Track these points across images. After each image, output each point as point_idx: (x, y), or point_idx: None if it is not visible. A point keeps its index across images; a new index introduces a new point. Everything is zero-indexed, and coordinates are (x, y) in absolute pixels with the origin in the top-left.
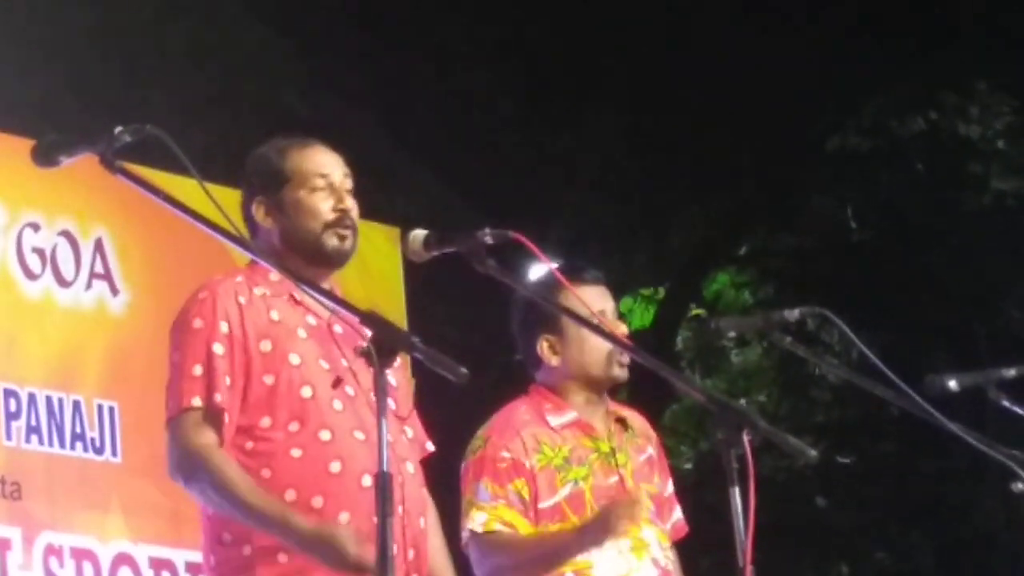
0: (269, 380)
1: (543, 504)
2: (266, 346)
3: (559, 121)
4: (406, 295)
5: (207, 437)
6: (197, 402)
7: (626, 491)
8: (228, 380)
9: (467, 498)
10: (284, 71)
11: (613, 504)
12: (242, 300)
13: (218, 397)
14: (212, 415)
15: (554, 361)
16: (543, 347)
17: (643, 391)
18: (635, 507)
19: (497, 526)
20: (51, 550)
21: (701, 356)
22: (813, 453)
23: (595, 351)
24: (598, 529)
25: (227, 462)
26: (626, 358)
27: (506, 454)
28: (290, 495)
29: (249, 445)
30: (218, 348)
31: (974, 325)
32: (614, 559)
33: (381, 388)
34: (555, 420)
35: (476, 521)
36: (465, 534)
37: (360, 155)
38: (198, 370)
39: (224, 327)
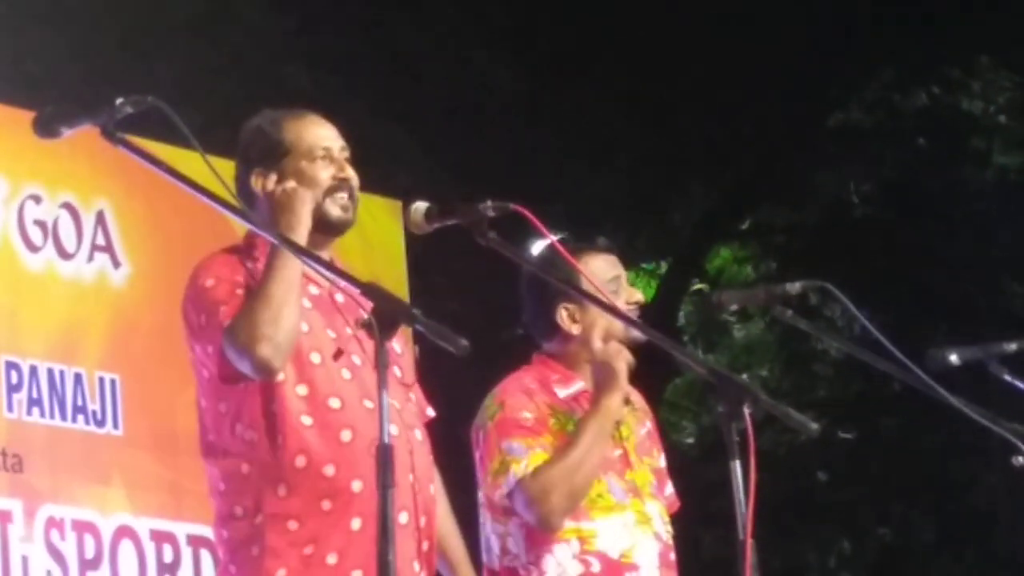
0: None
1: None
2: None
3: (561, 95)
4: (407, 267)
5: None
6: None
7: (629, 464)
8: None
9: (497, 459)
10: (286, 44)
11: (603, 360)
12: (248, 268)
13: None
14: None
15: (575, 330)
16: (563, 315)
17: (645, 365)
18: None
19: (541, 463)
20: (52, 522)
21: (703, 331)
22: (815, 427)
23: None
24: (610, 383)
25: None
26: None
27: (527, 414)
28: (300, 460)
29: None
30: (239, 291)
31: (976, 300)
32: (618, 532)
33: (382, 360)
34: (562, 391)
35: (520, 469)
36: (506, 489)
37: (363, 128)
38: (223, 309)
39: (241, 278)
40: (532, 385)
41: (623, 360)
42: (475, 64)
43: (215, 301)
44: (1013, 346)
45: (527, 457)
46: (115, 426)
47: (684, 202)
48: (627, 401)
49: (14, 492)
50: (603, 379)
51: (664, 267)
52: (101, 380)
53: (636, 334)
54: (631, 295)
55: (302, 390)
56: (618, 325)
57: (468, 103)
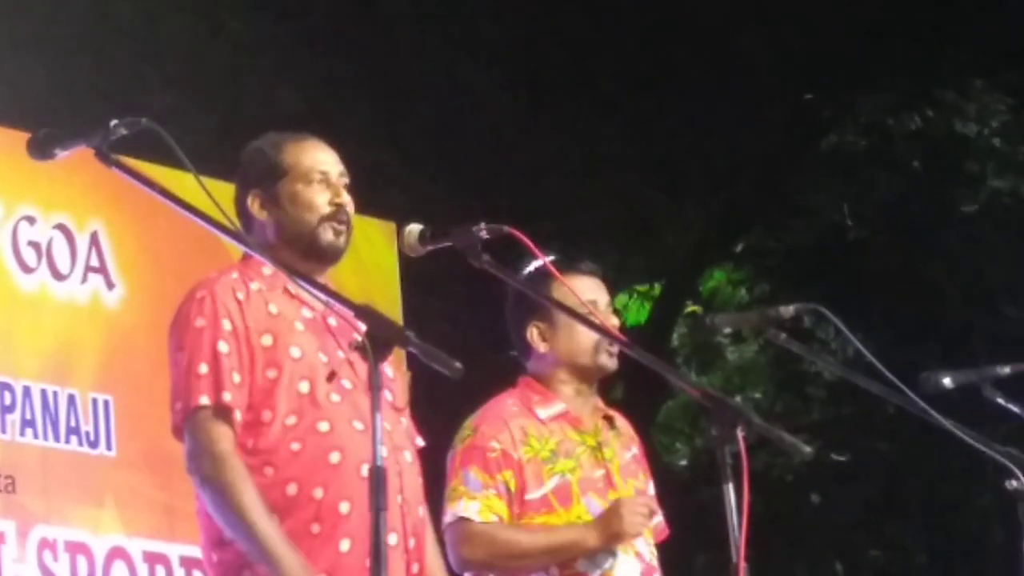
0: (272, 374)
1: (530, 496)
2: (267, 340)
3: (555, 116)
4: (401, 290)
5: (225, 440)
6: (205, 400)
7: (612, 485)
8: (237, 377)
9: (453, 484)
10: (279, 67)
11: (627, 502)
12: (240, 296)
13: (227, 396)
14: (223, 413)
15: (543, 348)
16: (533, 334)
17: (638, 387)
18: (646, 507)
19: (492, 517)
20: (45, 543)
21: (697, 353)
22: (808, 450)
23: (583, 339)
24: (607, 523)
25: (246, 480)
26: (615, 348)
27: (495, 444)
28: (291, 489)
29: (250, 443)
30: (223, 346)
31: (970, 323)
32: (599, 552)
33: (375, 383)
34: (543, 412)
35: (470, 509)
36: (449, 518)
37: (357, 150)
38: (204, 368)
39: (227, 325)
40: (513, 408)
41: (636, 520)
42: (469, 85)
43: (190, 357)
44: (1007, 369)
45: (480, 499)
46: (108, 447)
47: (678, 224)
48: (612, 424)
49: (7, 513)
50: (604, 517)
51: (658, 289)
52: (94, 401)
53: (604, 361)
54: (606, 320)
55: (291, 420)
56: (585, 347)
57: (462, 124)
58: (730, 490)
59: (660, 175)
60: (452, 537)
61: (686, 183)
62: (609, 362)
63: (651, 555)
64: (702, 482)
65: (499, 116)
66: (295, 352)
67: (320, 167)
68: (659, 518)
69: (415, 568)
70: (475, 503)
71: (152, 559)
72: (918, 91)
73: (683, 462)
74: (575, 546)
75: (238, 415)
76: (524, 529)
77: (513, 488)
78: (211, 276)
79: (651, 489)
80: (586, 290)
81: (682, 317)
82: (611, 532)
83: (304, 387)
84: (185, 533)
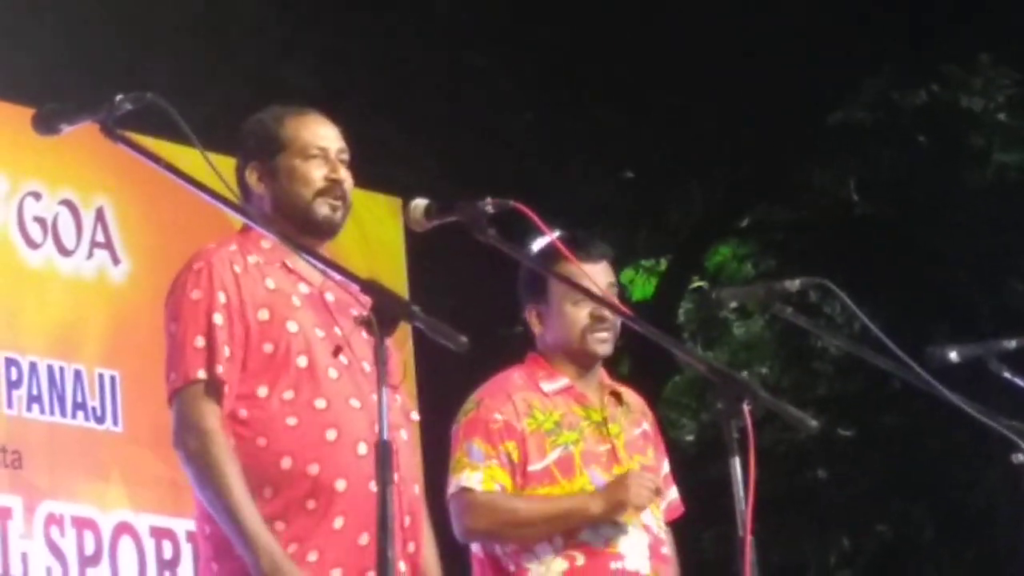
0: (268, 348)
1: (532, 467)
2: (264, 315)
3: (560, 94)
4: (407, 267)
5: (213, 417)
6: (201, 374)
7: (617, 460)
8: (228, 351)
9: (457, 456)
10: (286, 42)
11: (634, 473)
12: (237, 269)
13: (219, 369)
14: (214, 387)
15: (538, 330)
16: (531, 316)
17: (644, 363)
18: (653, 483)
19: (495, 486)
20: (52, 519)
21: (703, 328)
22: (814, 423)
23: (572, 325)
24: (613, 492)
25: (231, 460)
26: (607, 334)
27: (499, 416)
28: (286, 463)
29: (244, 413)
30: (218, 319)
31: (976, 297)
32: (602, 521)
33: (381, 357)
34: (547, 386)
35: (472, 479)
36: (452, 489)
37: (362, 126)
38: (200, 342)
39: (222, 297)
40: (518, 381)
41: (643, 493)
42: (475, 63)
43: (184, 329)
44: (1013, 344)
45: (482, 469)
46: (115, 423)
47: (683, 199)
48: (620, 401)
49: (14, 489)
50: (610, 487)
51: (664, 264)
52: (101, 377)
53: (595, 347)
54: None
55: (288, 395)
56: (575, 333)
57: (468, 102)
58: (736, 464)
59: (665, 151)
60: (455, 507)
61: (691, 159)
62: (600, 347)
63: (659, 528)
64: (709, 457)
65: (505, 93)
66: (292, 327)
67: (319, 142)
68: (675, 495)
69: (411, 547)
70: (478, 473)
71: (159, 534)
72: (923, 66)
73: (689, 437)
74: (577, 514)
75: (227, 389)
76: (526, 498)
77: (516, 459)
78: (209, 247)
79: (666, 466)
80: (595, 276)
81: (688, 293)
82: (615, 501)
83: (302, 362)
84: (191, 508)
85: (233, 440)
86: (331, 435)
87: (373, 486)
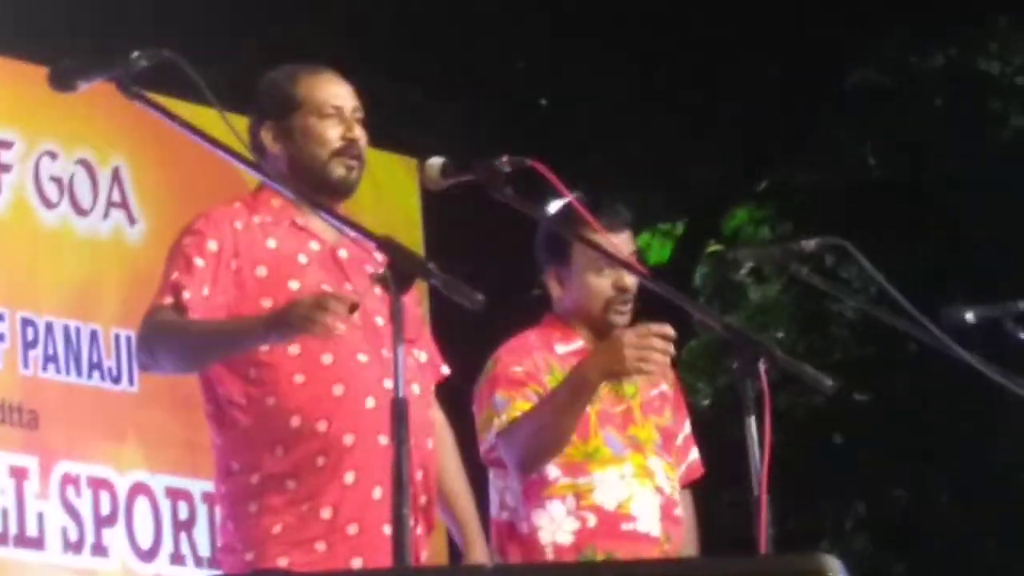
0: (267, 303)
1: None
2: (262, 271)
3: (577, 55)
4: (423, 228)
5: (167, 315)
6: (168, 299)
7: (632, 420)
8: (206, 290)
9: (483, 416)
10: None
11: (629, 333)
12: (238, 225)
13: (186, 295)
14: (178, 310)
15: (557, 292)
16: (551, 278)
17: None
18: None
19: (518, 413)
20: (68, 479)
21: (719, 292)
22: (830, 383)
23: (595, 295)
24: (605, 360)
25: (180, 320)
26: (627, 307)
27: (518, 368)
28: (295, 421)
29: (252, 372)
30: (199, 261)
31: (994, 261)
32: (615, 484)
33: (397, 314)
34: (561, 348)
35: (502, 421)
36: (486, 446)
37: (379, 87)
38: (175, 276)
39: (212, 245)
40: (535, 342)
41: (638, 349)
42: (493, 24)
43: (167, 269)
44: None
45: (507, 409)
46: (131, 383)
47: (700, 162)
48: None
49: (30, 449)
50: (600, 351)
51: (680, 228)
52: (117, 337)
53: (614, 318)
54: (621, 279)
55: (293, 350)
56: (597, 302)
57: (486, 63)
58: (752, 423)
59: (682, 114)
60: (504, 451)
61: (708, 122)
62: (619, 319)
63: (672, 488)
64: (725, 421)
65: (521, 53)
66: (294, 284)
67: (334, 101)
68: (695, 455)
69: (423, 500)
70: (503, 415)
71: (175, 495)
72: (941, 28)
73: (706, 402)
74: (580, 386)
75: (190, 315)
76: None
77: (542, 394)
78: (215, 206)
79: (687, 427)
80: (619, 245)
81: (705, 256)
82: (607, 369)
83: None
84: (208, 469)
85: (241, 398)
86: (338, 390)
87: (382, 439)
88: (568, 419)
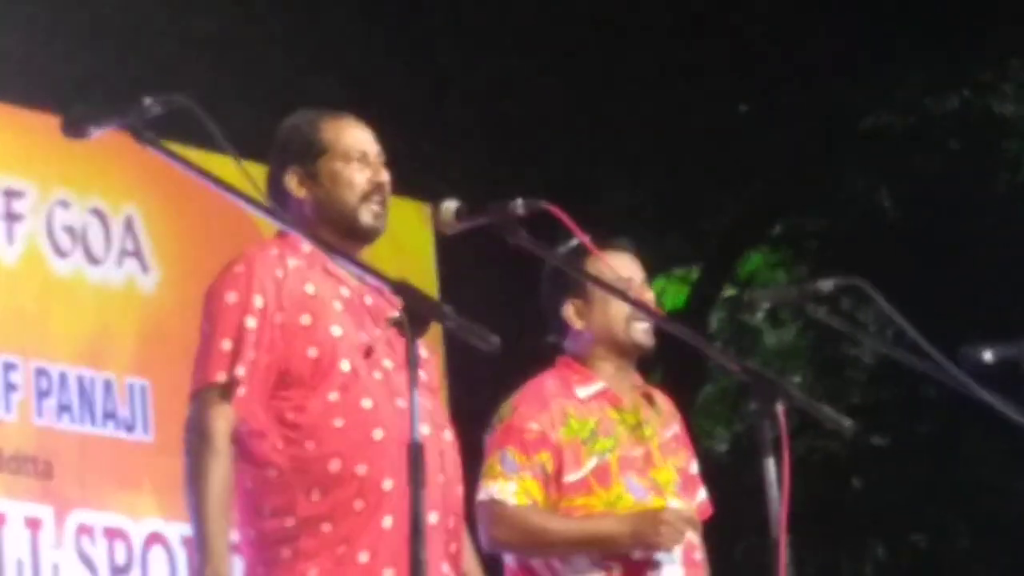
0: (313, 352)
1: (569, 477)
2: (306, 320)
3: (592, 100)
4: (437, 273)
5: (221, 420)
6: (221, 377)
7: (652, 463)
8: (253, 355)
9: (490, 462)
10: (311, 51)
11: (668, 514)
12: (279, 274)
13: (240, 371)
14: (231, 391)
15: (579, 325)
16: (569, 311)
17: (676, 372)
18: (688, 524)
19: (527, 500)
20: (83, 529)
21: (736, 337)
22: (849, 423)
23: (616, 315)
24: (643, 532)
25: (220, 467)
26: (648, 324)
27: (534, 425)
28: (335, 465)
29: (290, 416)
30: (250, 322)
31: (1010, 304)
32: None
33: (413, 357)
34: (582, 391)
35: (506, 491)
36: (483, 496)
37: (391, 131)
38: (227, 345)
39: (258, 301)
40: (553, 388)
41: (673, 538)
42: (505, 70)
43: (214, 331)
44: None
45: (515, 480)
46: (145, 432)
47: (715, 207)
48: (652, 402)
49: (45, 498)
50: (640, 524)
51: (696, 272)
52: (131, 386)
53: (640, 339)
54: (641, 295)
55: (333, 396)
56: (621, 322)
57: (498, 109)
58: (770, 464)
59: (697, 158)
60: (485, 516)
61: (723, 166)
62: (645, 338)
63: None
64: (742, 467)
65: (534, 99)
66: (336, 331)
67: (359, 146)
68: (703, 496)
69: (453, 547)
70: (511, 484)
71: (191, 543)
72: (955, 71)
73: (723, 447)
74: (606, 543)
75: (240, 391)
76: (558, 517)
77: (550, 470)
78: (251, 250)
79: (694, 467)
80: (622, 267)
81: (720, 301)
82: (645, 542)
83: (346, 365)
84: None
85: (279, 442)
86: (378, 435)
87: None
88: (573, 553)
